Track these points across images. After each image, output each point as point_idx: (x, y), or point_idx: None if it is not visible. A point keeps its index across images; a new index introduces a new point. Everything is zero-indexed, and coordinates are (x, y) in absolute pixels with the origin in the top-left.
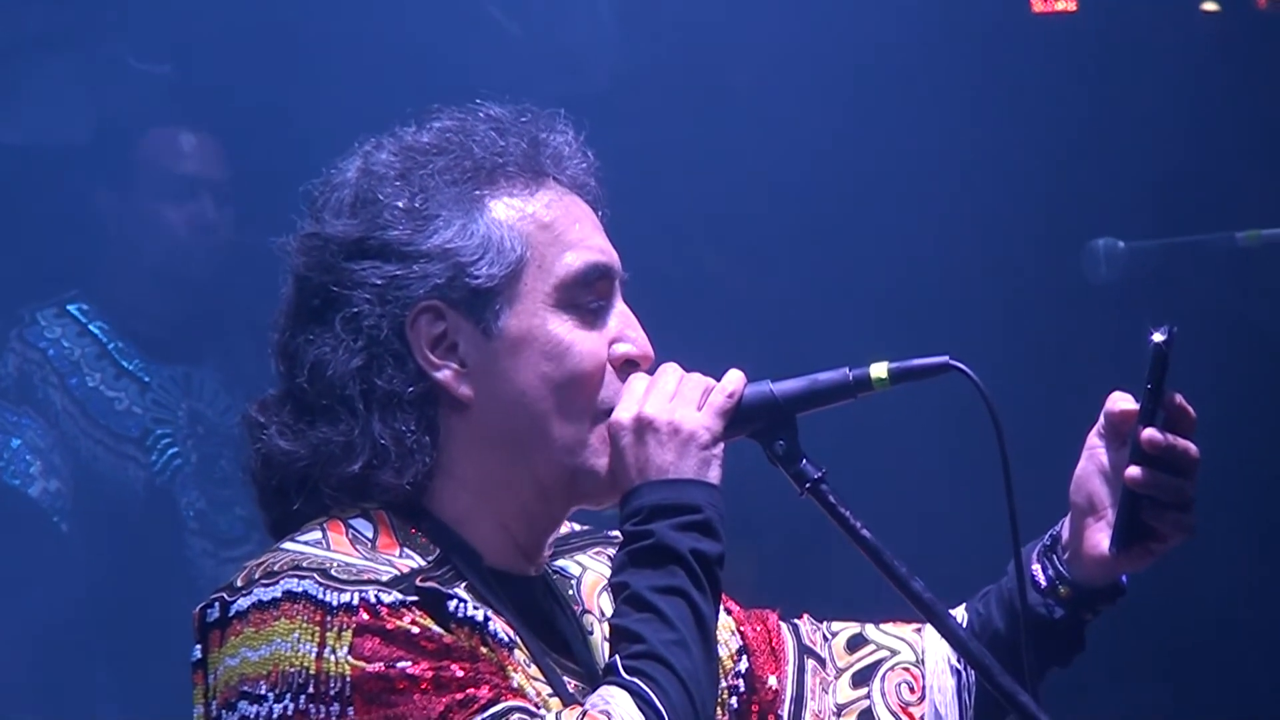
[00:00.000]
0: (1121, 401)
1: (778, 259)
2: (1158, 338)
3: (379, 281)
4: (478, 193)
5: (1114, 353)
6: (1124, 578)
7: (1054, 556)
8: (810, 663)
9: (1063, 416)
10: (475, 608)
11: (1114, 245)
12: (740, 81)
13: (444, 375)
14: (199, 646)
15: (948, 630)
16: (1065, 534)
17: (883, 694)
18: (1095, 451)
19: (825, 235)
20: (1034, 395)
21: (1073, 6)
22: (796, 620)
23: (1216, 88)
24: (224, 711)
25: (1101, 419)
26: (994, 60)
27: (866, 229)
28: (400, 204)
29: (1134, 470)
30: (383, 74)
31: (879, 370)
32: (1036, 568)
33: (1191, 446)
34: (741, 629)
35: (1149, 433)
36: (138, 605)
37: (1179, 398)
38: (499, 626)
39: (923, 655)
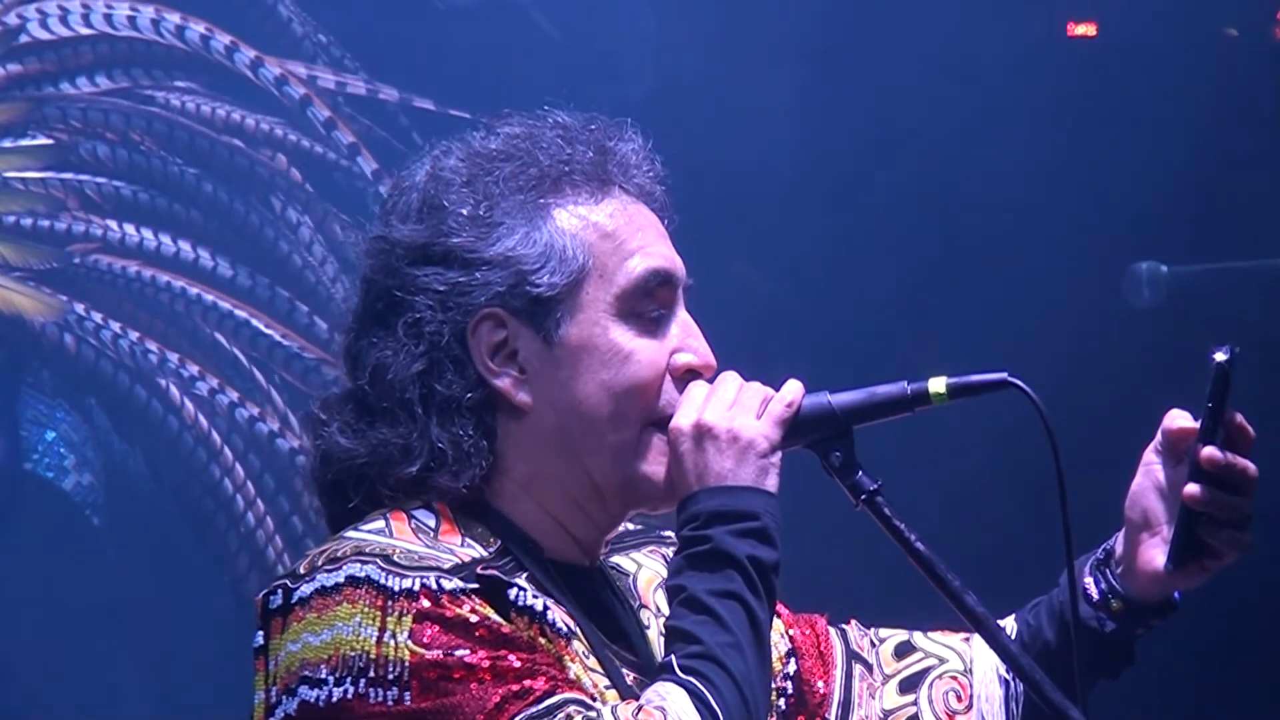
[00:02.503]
0: (1180, 419)
1: (815, 275)
2: (1220, 357)
3: (442, 288)
4: (543, 201)
5: (1157, 375)
6: (1177, 594)
7: (1107, 570)
8: (858, 668)
9: (1100, 438)
10: (535, 597)
11: (1157, 269)
12: (781, 93)
13: (503, 383)
14: (261, 633)
15: (1000, 646)
16: (1119, 548)
17: (930, 701)
18: (1151, 468)
19: (867, 254)
20: (1073, 418)
21: (1093, 32)
22: (845, 625)
23: (1264, 113)
24: (284, 696)
25: (1159, 436)
26: (1035, 83)
27: (909, 247)
28: (465, 211)
29: (1192, 488)
30: (424, 77)
31: (937, 385)
32: (1089, 581)
33: (1250, 466)
34: (791, 632)
35: (1209, 451)
36: (168, 599)
37: (1239, 417)
38: (558, 616)
39: (971, 664)
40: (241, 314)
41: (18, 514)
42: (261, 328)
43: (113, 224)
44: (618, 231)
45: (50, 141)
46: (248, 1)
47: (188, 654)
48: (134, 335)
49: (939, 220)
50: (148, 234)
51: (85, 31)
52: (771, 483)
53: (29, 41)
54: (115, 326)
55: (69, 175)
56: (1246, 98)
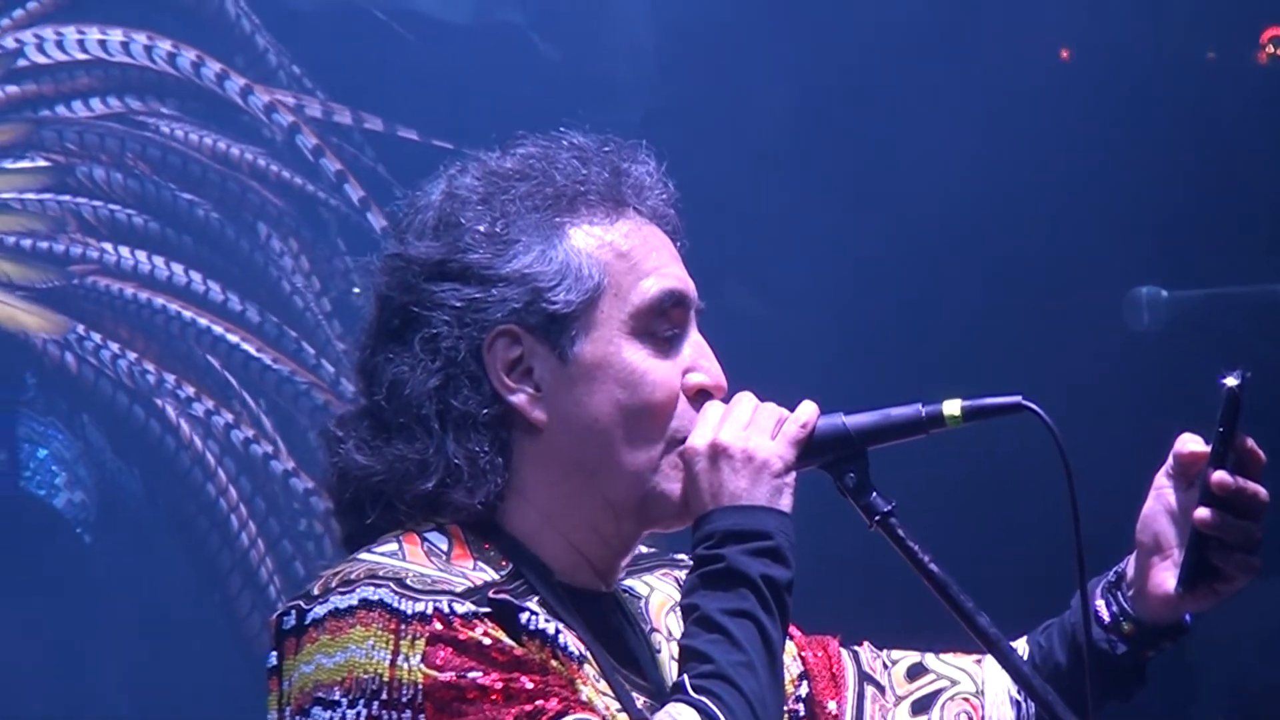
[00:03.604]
0: (1191, 443)
1: (808, 299)
2: (1230, 381)
3: (458, 304)
4: (558, 220)
5: (1158, 399)
6: (1188, 616)
7: (1118, 593)
8: (870, 689)
9: (1099, 460)
10: (546, 620)
11: (1157, 294)
12: (779, 116)
13: (518, 399)
14: (274, 653)
15: (1013, 667)
16: (1130, 571)
17: None
18: (1163, 491)
19: (865, 277)
20: (1073, 440)
21: (1065, 56)
22: (857, 647)
23: (1261, 138)
24: (298, 717)
25: (1170, 459)
26: (1036, 106)
27: (908, 272)
28: (481, 228)
29: (1203, 511)
30: (422, 99)
31: (952, 407)
32: (1100, 603)
33: (1261, 490)
34: (803, 654)
35: (1219, 475)
36: (158, 617)
37: (1250, 441)
38: (570, 640)
39: (982, 686)
40: (233, 338)
41: (9, 531)
42: (253, 351)
43: (109, 247)
44: (632, 252)
45: (48, 164)
46: (234, 33)
47: (178, 672)
48: (132, 355)
49: (938, 246)
50: (142, 257)
51: (81, 57)
52: (786, 502)
53: (27, 65)
54: (114, 346)
55: (66, 198)
56: (1243, 122)
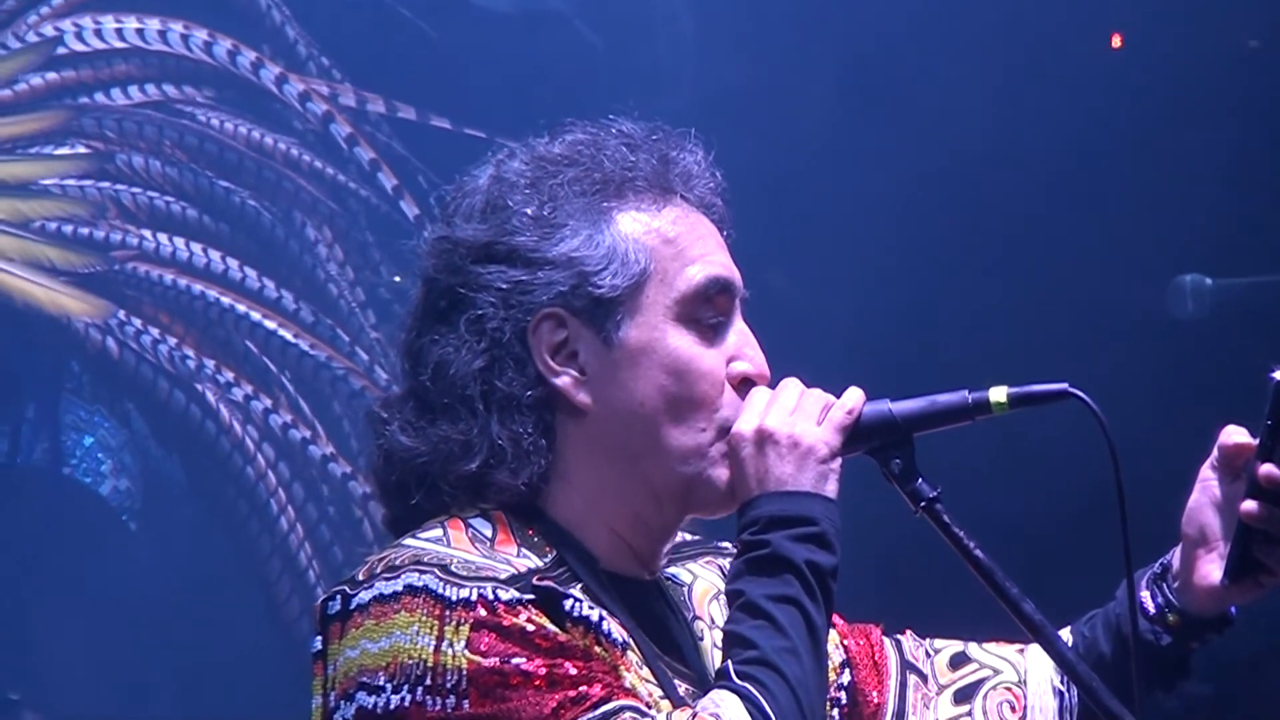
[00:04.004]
0: (1236, 435)
1: (850, 287)
2: (1279, 375)
3: (504, 286)
4: (605, 205)
5: (1201, 387)
6: (1233, 609)
7: (1163, 585)
8: (912, 678)
9: (1140, 449)
10: (590, 608)
11: (1201, 282)
12: (820, 103)
13: (563, 381)
14: (319, 638)
15: (1057, 653)
16: (1176, 563)
17: (984, 712)
18: (1208, 484)
19: (909, 265)
20: (1115, 429)
21: (1118, 44)
22: (899, 636)
23: None
24: (342, 702)
25: (1215, 451)
26: (1079, 95)
27: (952, 259)
28: (529, 211)
29: (1249, 504)
30: (469, 85)
31: (998, 394)
32: (1145, 595)
33: None
34: (845, 642)
35: (1267, 468)
36: (202, 603)
37: None
38: (613, 627)
39: (1025, 675)
40: (271, 323)
41: (57, 519)
42: (289, 337)
43: (148, 233)
44: (679, 238)
45: (88, 150)
46: (264, 24)
47: (220, 657)
48: (172, 340)
49: (982, 234)
50: (181, 244)
51: (119, 45)
52: (831, 488)
53: (66, 53)
54: (154, 331)
55: (106, 184)
56: None
